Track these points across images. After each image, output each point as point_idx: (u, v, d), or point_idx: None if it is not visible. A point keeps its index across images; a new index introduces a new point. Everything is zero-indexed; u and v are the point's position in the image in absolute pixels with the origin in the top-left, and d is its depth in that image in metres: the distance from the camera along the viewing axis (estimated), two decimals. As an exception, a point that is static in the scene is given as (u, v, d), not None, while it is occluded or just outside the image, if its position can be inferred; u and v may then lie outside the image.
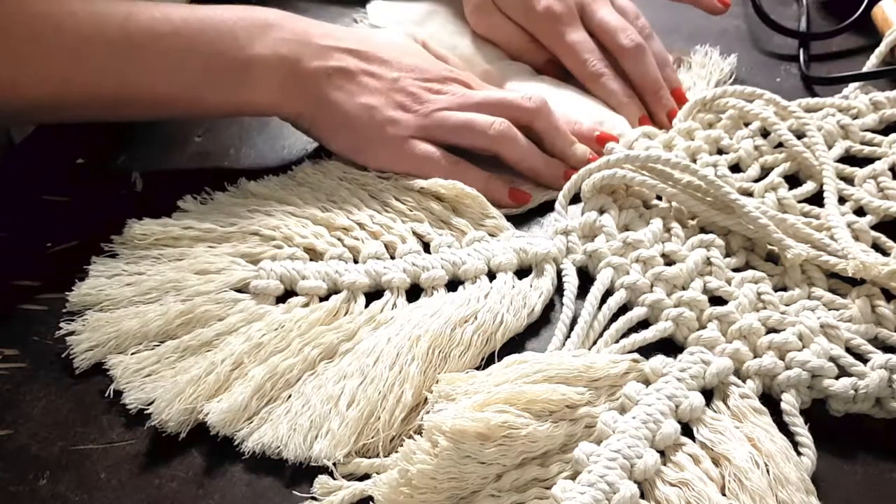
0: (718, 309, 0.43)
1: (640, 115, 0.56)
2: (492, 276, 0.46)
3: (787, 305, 0.44)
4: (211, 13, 0.50)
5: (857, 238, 0.47)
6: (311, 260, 0.47)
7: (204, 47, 0.49)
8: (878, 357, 0.41)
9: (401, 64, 0.53)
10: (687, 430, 0.39)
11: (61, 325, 0.44)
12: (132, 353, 0.42)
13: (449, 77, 0.54)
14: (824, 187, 0.50)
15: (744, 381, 0.41)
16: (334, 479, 0.38)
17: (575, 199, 0.50)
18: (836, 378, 0.40)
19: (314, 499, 0.37)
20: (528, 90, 0.56)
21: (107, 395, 0.41)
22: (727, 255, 0.47)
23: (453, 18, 0.66)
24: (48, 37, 0.47)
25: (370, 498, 0.37)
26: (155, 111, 0.52)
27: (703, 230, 0.48)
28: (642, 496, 0.36)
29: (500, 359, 0.40)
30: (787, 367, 0.41)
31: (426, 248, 0.48)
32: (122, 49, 0.48)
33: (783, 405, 0.40)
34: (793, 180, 0.52)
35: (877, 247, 0.47)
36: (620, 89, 0.57)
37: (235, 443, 0.39)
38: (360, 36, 0.55)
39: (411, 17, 0.67)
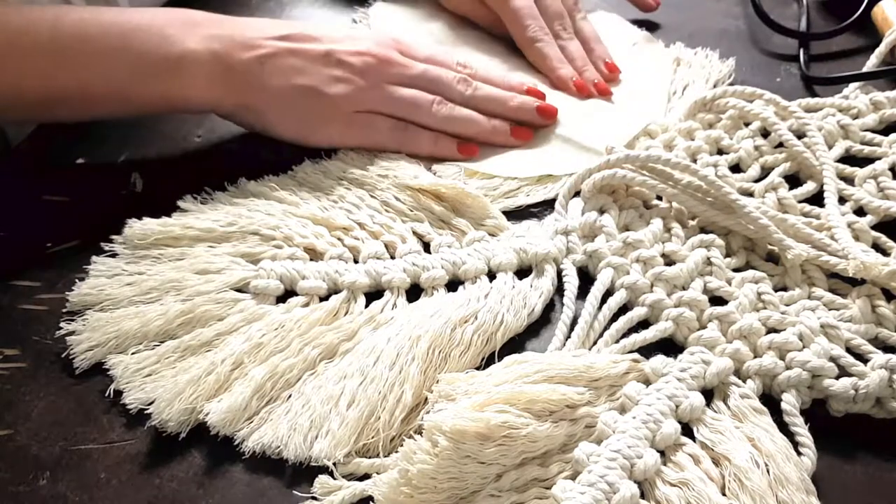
0: (718, 309, 0.43)
1: (574, 78, 0.60)
2: (492, 276, 0.46)
3: (787, 305, 0.44)
4: (140, 14, 0.51)
5: (857, 238, 0.47)
6: (311, 260, 0.47)
7: (134, 45, 0.49)
8: (879, 357, 0.41)
9: (331, 37, 0.53)
10: (687, 430, 0.39)
11: (61, 325, 0.44)
12: (132, 353, 0.42)
13: (381, 41, 0.54)
14: (824, 187, 0.50)
15: (744, 381, 0.41)
16: (334, 479, 0.38)
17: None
18: (837, 378, 0.40)
19: (314, 499, 0.37)
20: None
21: (107, 395, 0.41)
22: (727, 255, 0.47)
23: (455, 21, 0.66)
24: None
25: (370, 498, 0.37)
26: (88, 110, 0.52)
27: (703, 230, 0.48)
28: (642, 496, 0.36)
29: (500, 359, 0.40)
30: (788, 367, 0.41)
31: (426, 248, 0.48)
32: (51, 50, 0.48)
33: (783, 405, 0.40)
34: (793, 180, 0.52)
35: (877, 247, 0.47)
36: (554, 55, 0.61)
37: (235, 443, 0.39)
38: (288, 22, 0.56)
39: (413, 18, 0.67)
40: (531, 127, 0.56)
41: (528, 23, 0.61)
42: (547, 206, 0.52)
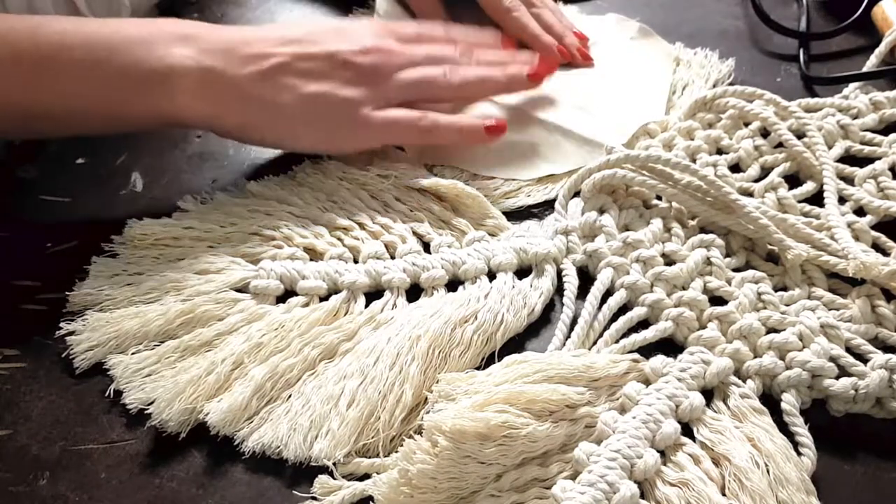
0: (718, 309, 0.43)
1: (556, 46, 0.60)
2: (492, 276, 0.46)
3: (787, 305, 0.44)
4: (125, 25, 0.48)
5: (857, 238, 0.47)
6: (311, 260, 0.47)
7: (117, 58, 0.46)
8: (878, 357, 0.41)
9: (329, 35, 0.51)
10: (687, 430, 0.39)
11: (61, 325, 0.44)
12: (132, 353, 0.42)
13: (378, 32, 0.53)
14: (824, 187, 0.50)
15: (744, 381, 0.41)
16: (334, 478, 0.38)
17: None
18: (837, 378, 0.40)
19: (314, 499, 0.37)
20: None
21: (107, 395, 0.41)
22: (727, 255, 0.47)
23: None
24: None
25: (370, 498, 0.37)
26: (70, 126, 0.50)
27: (703, 230, 0.48)
28: (642, 496, 0.36)
29: (500, 359, 0.40)
30: (788, 367, 0.41)
31: (426, 248, 0.48)
32: (29, 61, 0.45)
33: (783, 405, 0.40)
34: (793, 180, 0.52)
35: (877, 247, 0.47)
36: (533, 24, 0.61)
37: (235, 443, 0.39)
38: (282, 25, 0.54)
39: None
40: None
41: None
42: (547, 206, 0.52)
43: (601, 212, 0.49)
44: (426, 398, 0.40)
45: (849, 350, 0.42)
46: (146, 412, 0.40)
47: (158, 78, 0.47)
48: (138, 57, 0.47)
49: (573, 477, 0.36)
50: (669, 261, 0.47)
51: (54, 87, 0.46)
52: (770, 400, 0.40)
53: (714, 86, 0.60)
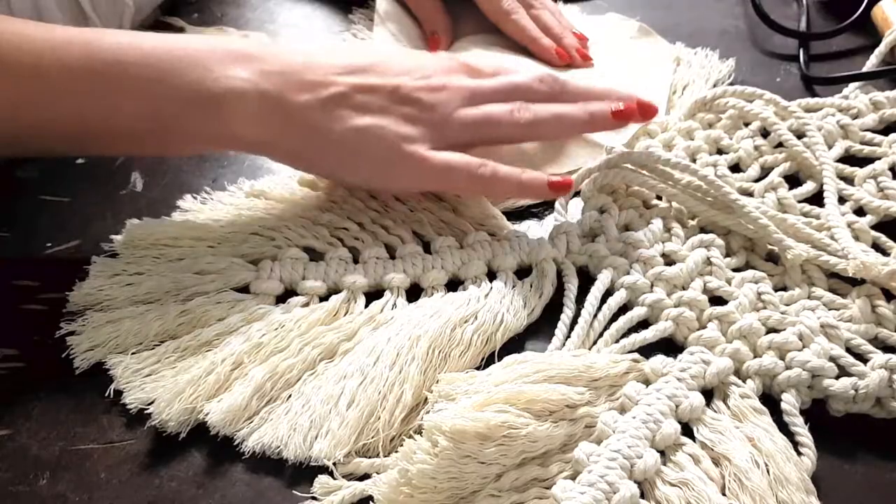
0: (718, 309, 0.43)
1: (554, 48, 0.60)
2: (492, 276, 0.46)
3: (787, 305, 0.44)
4: (184, 41, 0.46)
5: (857, 238, 0.47)
6: (311, 260, 0.47)
7: (172, 78, 0.44)
8: (879, 357, 0.41)
9: (397, 67, 0.48)
10: (687, 430, 0.39)
11: (61, 325, 0.44)
12: (132, 353, 0.42)
13: (450, 67, 0.49)
14: (824, 187, 0.50)
15: (744, 381, 0.41)
16: (334, 478, 0.38)
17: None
18: (836, 378, 0.40)
19: (314, 499, 0.37)
20: None
21: (107, 395, 0.41)
22: (727, 255, 0.47)
23: (459, 12, 0.66)
24: (1, 60, 0.42)
25: (370, 498, 0.37)
26: (120, 147, 0.48)
27: (703, 230, 0.48)
28: (642, 496, 0.36)
29: (500, 359, 0.40)
30: (788, 367, 0.41)
31: (426, 248, 0.48)
32: (81, 77, 0.43)
33: (783, 405, 0.40)
34: (793, 180, 0.52)
35: (877, 247, 0.47)
36: (532, 26, 0.61)
37: (235, 443, 0.39)
38: (351, 50, 0.51)
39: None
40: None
41: None
42: (547, 206, 0.52)
43: (601, 212, 0.49)
44: (426, 398, 0.40)
45: (849, 350, 0.42)
46: (146, 412, 0.40)
47: (214, 100, 0.44)
48: (195, 77, 0.44)
49: (573, 477, 0.36)
50: (669, 261, 0.47)
51: (105, 106, 0.44)
52: (770, 400, 0.40)
53: (714, 86, 0.60)
